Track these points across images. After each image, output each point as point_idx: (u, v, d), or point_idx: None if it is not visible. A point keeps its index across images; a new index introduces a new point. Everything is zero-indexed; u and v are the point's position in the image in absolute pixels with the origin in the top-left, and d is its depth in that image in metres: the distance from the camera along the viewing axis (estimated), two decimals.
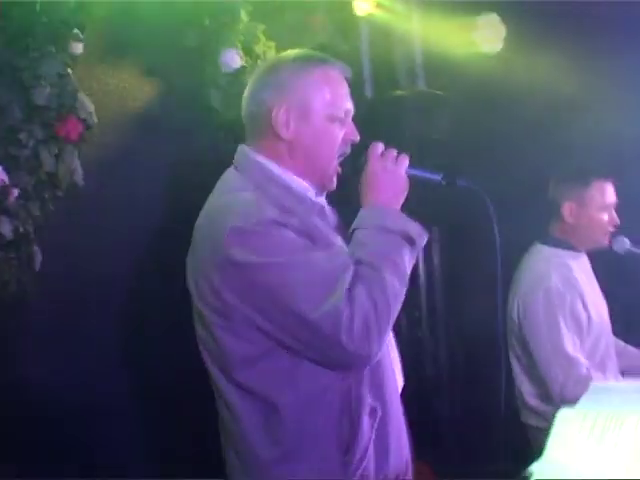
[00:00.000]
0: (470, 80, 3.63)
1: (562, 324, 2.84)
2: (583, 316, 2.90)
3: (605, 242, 3.05)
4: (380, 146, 1.98)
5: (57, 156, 2.61)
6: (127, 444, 2.87)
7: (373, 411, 1.90)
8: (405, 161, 1.97)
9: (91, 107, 2.67)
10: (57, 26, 2.59)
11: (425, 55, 3.84)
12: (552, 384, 2.83)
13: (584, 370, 2.81)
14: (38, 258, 2.59)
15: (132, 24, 2.85)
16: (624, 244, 3.09)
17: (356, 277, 1.79)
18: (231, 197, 1.91)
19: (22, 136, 2.55)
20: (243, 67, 3.16)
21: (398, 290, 1.83)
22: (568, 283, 2.91)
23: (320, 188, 2.00)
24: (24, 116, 2.56)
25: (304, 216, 1.89)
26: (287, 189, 1.93)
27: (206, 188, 1.99)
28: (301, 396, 1.85)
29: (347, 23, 3.55)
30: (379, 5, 3.60)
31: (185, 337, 2.73)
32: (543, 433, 2.74)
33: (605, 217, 2.99)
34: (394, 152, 1.97)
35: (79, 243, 2.72)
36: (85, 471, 2.70)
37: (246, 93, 2.02)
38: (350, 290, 1.76)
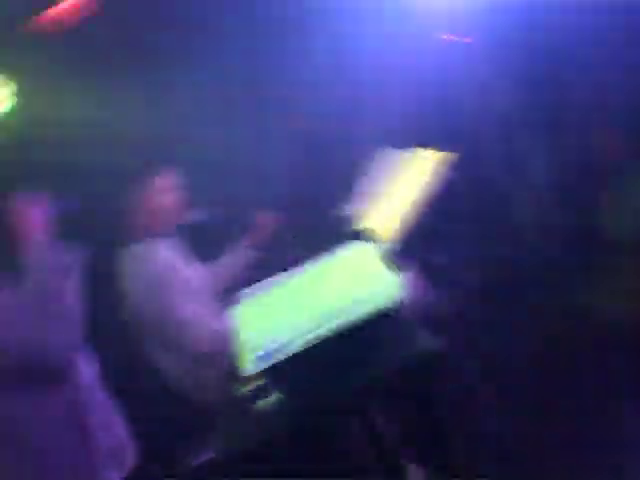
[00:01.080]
0: None
1: (177, 296, 3.28)
2: (189, 284, 3.37)
3: (181, 221, 3.51)
4: None
5: None
6: None
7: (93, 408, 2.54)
8: None
9: None
10: None
11: None
12: (190, 344, 3.30)
13: (210, 325, 3.29)
14: None
15: None
16: (196, 218, 3.56)
17: None
18: None
19: None
20: None
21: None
22: (169, 263, 3.36)
23: None
24: None
25: None
26: None
27: None
28: None
29: None
30: None
31: None
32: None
33: (172, 200, 3.44)
34: None
35: None
36: None
37: None
38: None
